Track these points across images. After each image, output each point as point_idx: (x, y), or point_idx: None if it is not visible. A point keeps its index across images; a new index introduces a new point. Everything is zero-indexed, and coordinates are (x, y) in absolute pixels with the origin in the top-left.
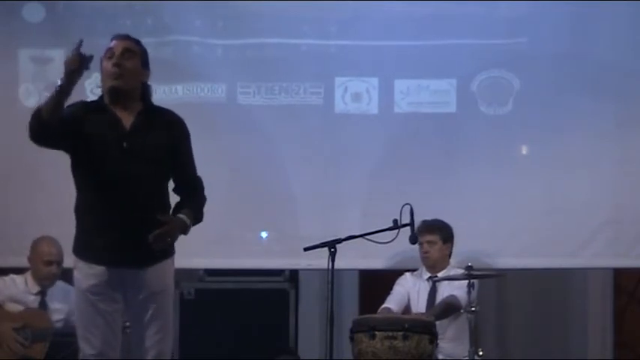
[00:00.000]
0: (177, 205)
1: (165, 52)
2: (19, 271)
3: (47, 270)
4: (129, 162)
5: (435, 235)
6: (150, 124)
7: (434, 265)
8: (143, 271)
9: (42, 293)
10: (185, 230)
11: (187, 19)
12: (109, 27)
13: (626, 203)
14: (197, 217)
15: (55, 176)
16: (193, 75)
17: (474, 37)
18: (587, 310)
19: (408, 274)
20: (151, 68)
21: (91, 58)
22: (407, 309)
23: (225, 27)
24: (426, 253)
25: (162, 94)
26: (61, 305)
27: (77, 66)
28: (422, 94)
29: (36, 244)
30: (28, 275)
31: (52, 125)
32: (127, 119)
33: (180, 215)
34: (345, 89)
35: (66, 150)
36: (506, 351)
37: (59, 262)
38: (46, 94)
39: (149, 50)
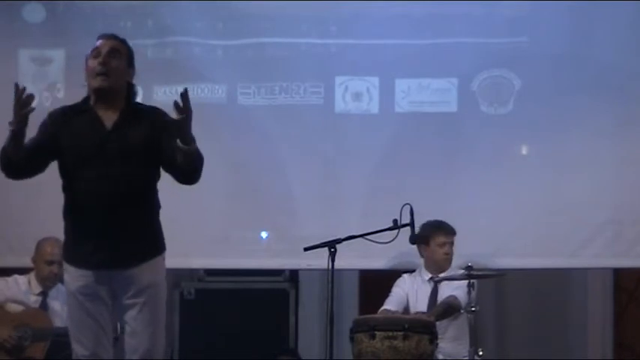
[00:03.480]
0: None
1: (166, 53)
2: (23, 271)
3: (49, 270)
4: (112, 161)
5: (454, 236)
6: (133, 122)
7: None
8: (131, 270)
9: (44, 294)
10: (192, 144)
11: (188, 20)
12: (109, 28)
13: (626, 203)
14: (197, 158)
15: (55, 176)
16: (194, 76)
17: (474, 36)
18: (587, 310)
19: (405, 275)
20: (151, 69)
21: (32, 95)
22: (406, 310)
23: (225, 28)
24: (448, 254)
25: (163, 95)
26: (62, 307)
27: (28, 107)
28: (423, 94)
29: (40, 245)
30: (32, 276)
31: (21, 163)
32: (110, 118)
33: None
34: (346, 88)
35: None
36: (506, 351)
37: (61, 262)
38: (46, 94)
39: (150, 51)
